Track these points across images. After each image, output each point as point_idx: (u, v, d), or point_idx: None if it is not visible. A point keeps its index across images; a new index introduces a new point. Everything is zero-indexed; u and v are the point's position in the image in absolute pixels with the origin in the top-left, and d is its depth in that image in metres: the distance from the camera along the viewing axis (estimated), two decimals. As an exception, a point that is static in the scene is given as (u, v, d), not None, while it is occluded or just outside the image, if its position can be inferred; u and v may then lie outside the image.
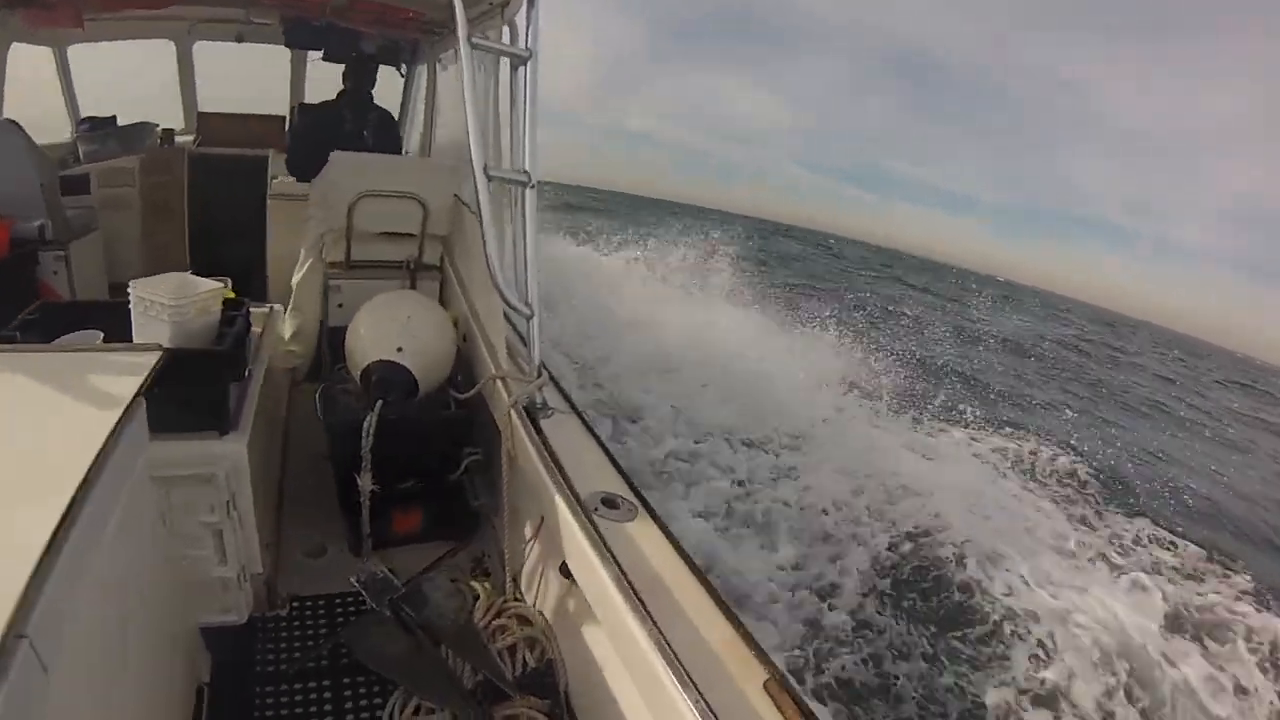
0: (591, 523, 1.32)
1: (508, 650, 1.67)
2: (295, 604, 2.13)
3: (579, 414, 1.89)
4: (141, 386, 1.32)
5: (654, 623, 1.06)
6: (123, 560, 1.32)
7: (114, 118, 4.26)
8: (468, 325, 2.41)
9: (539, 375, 1.84)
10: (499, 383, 1.90)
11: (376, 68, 3.80)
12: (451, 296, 2.74)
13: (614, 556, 1.21)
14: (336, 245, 2.80)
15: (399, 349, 2.11)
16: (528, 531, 1.76)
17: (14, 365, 1.34)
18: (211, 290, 2.10)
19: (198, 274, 2.21)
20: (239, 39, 4.31)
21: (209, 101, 4.70)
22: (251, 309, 2.42)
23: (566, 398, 1.99)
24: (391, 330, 2.15)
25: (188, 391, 1.87)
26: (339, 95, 3.74)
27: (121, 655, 1.32)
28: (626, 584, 1.14)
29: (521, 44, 1.94)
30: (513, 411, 1.71)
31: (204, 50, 4.50)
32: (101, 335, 1.87)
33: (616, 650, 1.15)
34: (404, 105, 4.60)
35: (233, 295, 2.24)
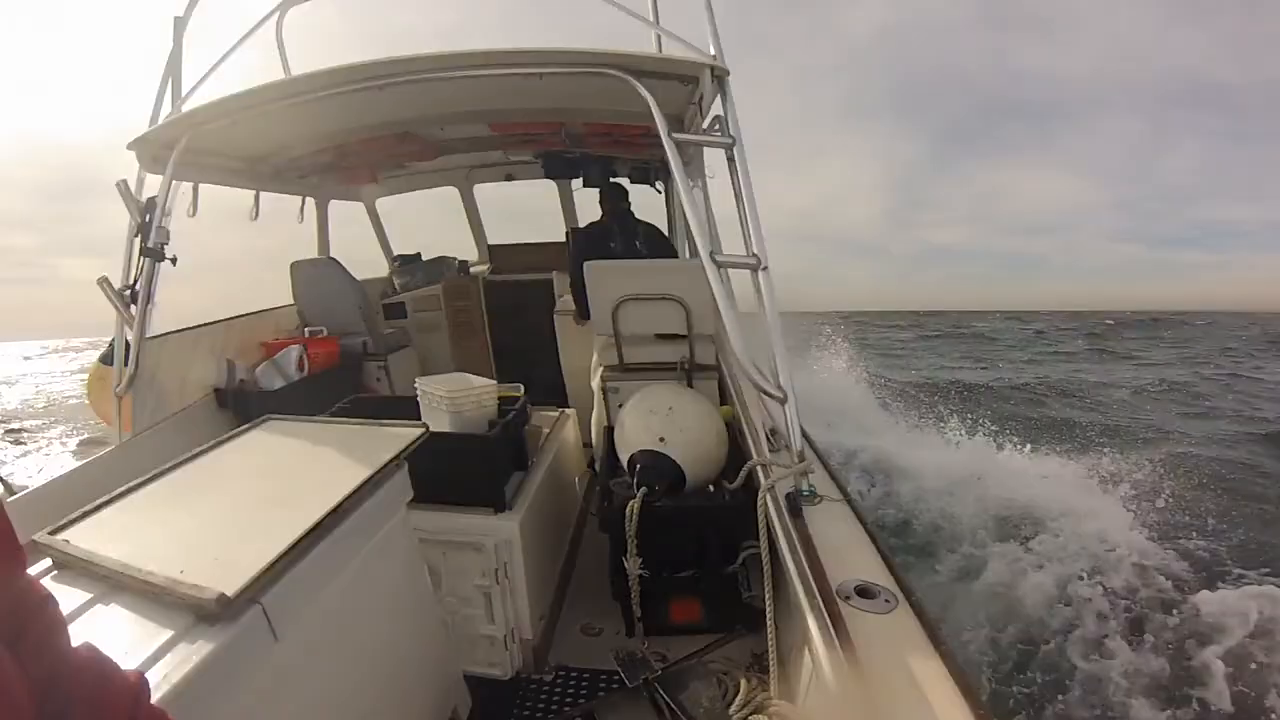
0: (832, 615, 1.24)
1: (756, 751, 1.58)
2: (561, 672, 2.26)
3: (848, 499, 1.81)
4: (399, 454, 1.60)
5: None
6: (379, 584, 1.58)
7: (419, 254, 5.28)
8: (740, 417, 2.42)
9: (799, 461, 1.78)
10: (759, 470, 1.87)
11: (624, 185, 3.87)
12: (729, 393, 2.78)
13: (855, 652, 1.11)
14: (609, 350, 2.95)
15: (660, 439, 2.18)
16: (794, 625, 1.67)
17: (319, 432, 1.76)
18: (484, 386, 2.31)
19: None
20: (509, 178, 5.06)
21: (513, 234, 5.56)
22: (542, 410, 2.70)
23: (838, 483, 1.91)
24: (653, 422, 2.24)
25: (460, 470, 2.13)
26: (602, 218, 3.82)
27: (367, 660, 1.52)
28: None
29: (728, 133, 2.00)
30: (768, 499, 1.68)
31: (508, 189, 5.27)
32: None
33: None
34: (670, 219, 4.64)
35: (516, 394, 2.48)
